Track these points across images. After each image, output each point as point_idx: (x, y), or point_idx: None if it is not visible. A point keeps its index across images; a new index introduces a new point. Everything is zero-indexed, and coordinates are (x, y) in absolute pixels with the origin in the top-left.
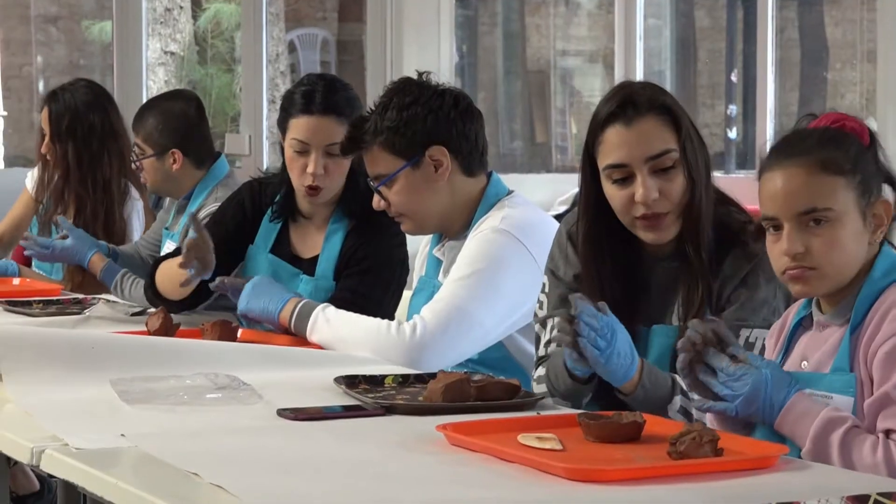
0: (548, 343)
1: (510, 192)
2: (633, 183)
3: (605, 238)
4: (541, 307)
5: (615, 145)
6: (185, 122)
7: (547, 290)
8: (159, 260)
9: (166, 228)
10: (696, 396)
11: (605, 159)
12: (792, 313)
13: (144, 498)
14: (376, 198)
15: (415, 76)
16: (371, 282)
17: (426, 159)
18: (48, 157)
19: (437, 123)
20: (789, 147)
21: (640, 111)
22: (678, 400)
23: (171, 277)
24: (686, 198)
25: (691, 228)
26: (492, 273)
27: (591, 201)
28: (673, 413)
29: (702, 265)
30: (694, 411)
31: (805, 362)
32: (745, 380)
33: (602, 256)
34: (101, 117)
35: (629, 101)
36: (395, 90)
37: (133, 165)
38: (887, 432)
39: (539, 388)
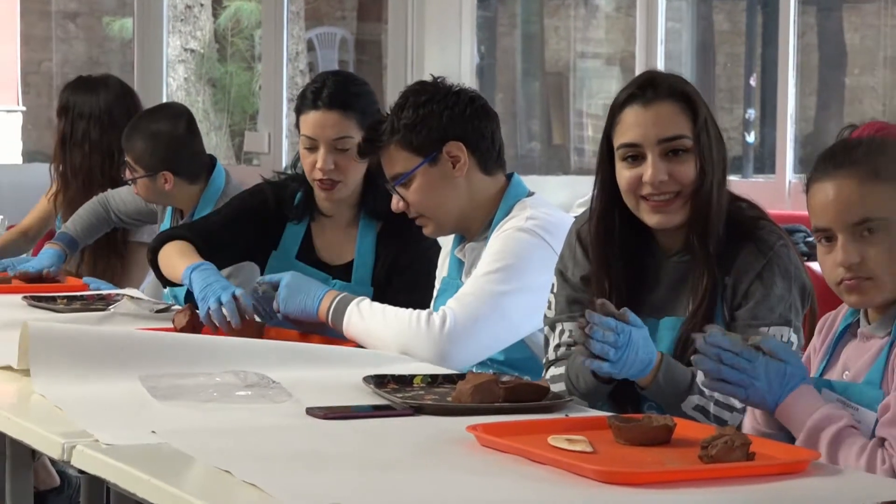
0: (557, 347)
1: (531, 194)
2: (644, 164)
3: (617, 224)
4: (549, 308)
5: (630, 125)
6: (174, 144)
7: (555, 290)
8: (165, 238)
9: None
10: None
11: (619, 138)
12: (840, 316)
13: (178, 495)
14: (395, 199)
15: (430, 80)
16: (419, 297)
17: (443, 155)
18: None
19: (453, 119)
20: (838, 157)
21: (660, 94)
22: (695, 398)
23: (173, 265)
24: (696, 185)
25: (699, 219)
26: (518, 269)
27: (606, 184)
28: (688, 410)
29: (707, 256)
30: (711, 409)
31: (847, 372)
32: (757, 365)
33: (612, 241)
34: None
35: (650, 84)
36: (411, 91)
37: (126, 181)
38: (881, 440)
39: (556, 387)
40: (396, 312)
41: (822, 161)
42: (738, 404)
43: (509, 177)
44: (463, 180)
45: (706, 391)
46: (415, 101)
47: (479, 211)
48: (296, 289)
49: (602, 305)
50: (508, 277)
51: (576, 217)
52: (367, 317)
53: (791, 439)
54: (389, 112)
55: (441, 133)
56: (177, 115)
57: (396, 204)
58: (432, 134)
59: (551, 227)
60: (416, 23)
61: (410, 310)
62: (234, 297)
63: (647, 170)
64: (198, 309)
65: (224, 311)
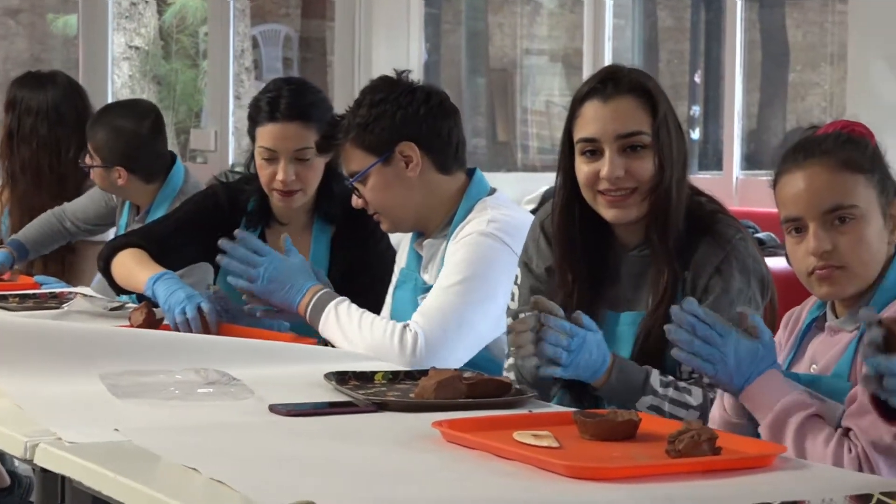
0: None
1: (492, 191)
2: (602, 159)
3: (578, 217)
4: (512, 299)
5: (589, 119)
6: (133, 142)
7: (519, 281)
8: (117, 245)
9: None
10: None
11: (578, 133)
12: (805, 311)
13: (147, 493)
14: (354, 196)
15: (393, 75)
16: (375, 300)
17: (396, 155)
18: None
19: (406, 119)
20: (806, 149)
21: (620, 90)
22: (648, 399)
23: (129, 273)
24: (654, 182)
25: (658, 215)
26: (483, 278)
27: (567, 177)
28: (642, 409)
29: (667, 251)
30: (666, 407)
31: (814, 366)
32: (729, 341)
33: (574, 234)
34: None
35: (611, 79)
36: (369, 88)
37: (83, 167)
38: (846, 430)
39: (508, 376)
40: (371, 323)
41: (792, 153)
42: (693, 401)
43: (472, 172)
44: (418, 180)
45: (660, 391)
46: (370, 99)
47: (438, 209)
48: (280, 282)
49: (536, 303)
50: (472, 288)
51: (537, 210)
52: (342, 321)
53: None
54: (348, 109)
55: (393, 133)
56: (144, 113)
57: (356, 201)
58: (384, 134)
59: (512, 230)
60: (364, 20)
61: (384, 321)
62: (200, 309)
63: (604, 165)
64: (154, 307)
65: (189, 324)
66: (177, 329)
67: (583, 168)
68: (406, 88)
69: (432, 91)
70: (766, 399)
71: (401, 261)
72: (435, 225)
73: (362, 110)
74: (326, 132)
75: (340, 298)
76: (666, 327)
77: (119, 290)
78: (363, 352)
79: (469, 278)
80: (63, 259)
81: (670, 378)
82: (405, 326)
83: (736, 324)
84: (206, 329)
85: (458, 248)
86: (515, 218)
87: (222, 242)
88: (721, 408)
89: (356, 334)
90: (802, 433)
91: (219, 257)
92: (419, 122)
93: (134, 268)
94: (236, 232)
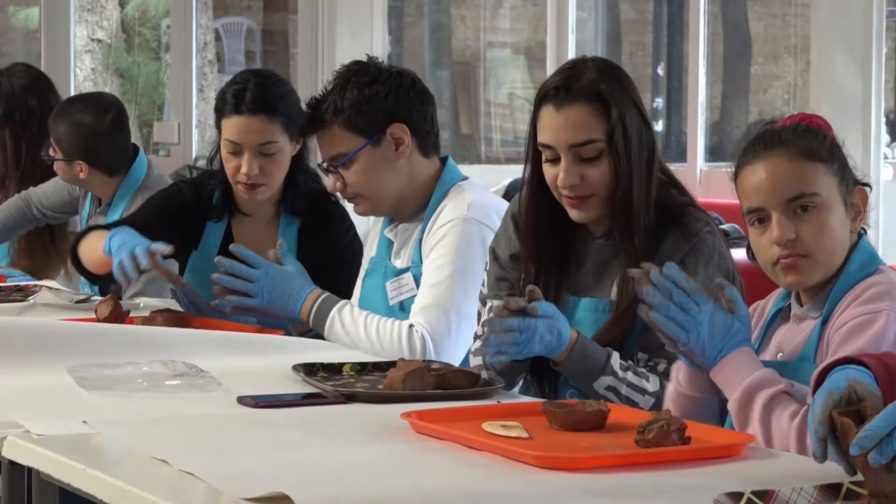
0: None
1: (465, 178)
2: (560, 164)
3: (545, 206)
4: (483, 284)
5: (546, 126)
6: (94, 137)
7: (487, 268)
8: (90, 228)
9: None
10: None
11: (539, 135)
12: (770, 303)
13: (115, 485)
14: (331, 180)
15: (365, 60)
16: (344, 289)
17: (387, 137)
18: None
19: (398, 101)
20: (766, 141)
21: (574, 97)
22: (607, 380)
23: (92, 247)
24: (611, 186)
25: (619, 216)
26: (472, 266)
27: (535, 169)
28: (600, 389)
29: (633, 248)
30: (623, 390)
31: (781, 354)
32: (704, 311)
33: (541, 223)
34: (40, 101)
35: (565, 85)
36: (352, 70)
37: (44, 158)
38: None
39: (475, 360)
40: (378, 326)
41: (752, 145)
42: (650, 388)
43: (444, 160)
44: (404, 162)
45: (619, 373)
46: (358, 81)
47: (416, 193)
48: (280, 291)
49: (531, 292)
50: (465, 278)
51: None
52: (348, 327)
53: (714, 405)
54: (328, 91)
55: (386, 114)
56: (105, 108)
57: (333, 184)
58: (377, 115)
59: (491, 212)
60: (327, 12)
61: (389, 322)
62: (150, 251)
63: (560, 173)
64: (120, 299)
65: (138, 255)
66: (121, 274)
67: (547, 169)
68: (392, 71)
69: (414, 75)
70: (736, 376)
71: (370, 250)
72: (411, 209)
73: (350, 92)
74: (310, 115)
75: (342, 303)
76: (644, 288)
77: (92, 279)
78: (371, 353)
79: (460, 269)
80: (44, 254)
81: (630, 363)
82: (411, 327)
83: (715, 296)
84: (157, 268)
85: (442, 235)
86: (492, 201)
87: (218, 260)
88: (675, 381)
89: (363, 339)
90: (769, 409)
91: (216, 276)
92: (409, 103)
93: (96, 241)
94: (231, 247)
